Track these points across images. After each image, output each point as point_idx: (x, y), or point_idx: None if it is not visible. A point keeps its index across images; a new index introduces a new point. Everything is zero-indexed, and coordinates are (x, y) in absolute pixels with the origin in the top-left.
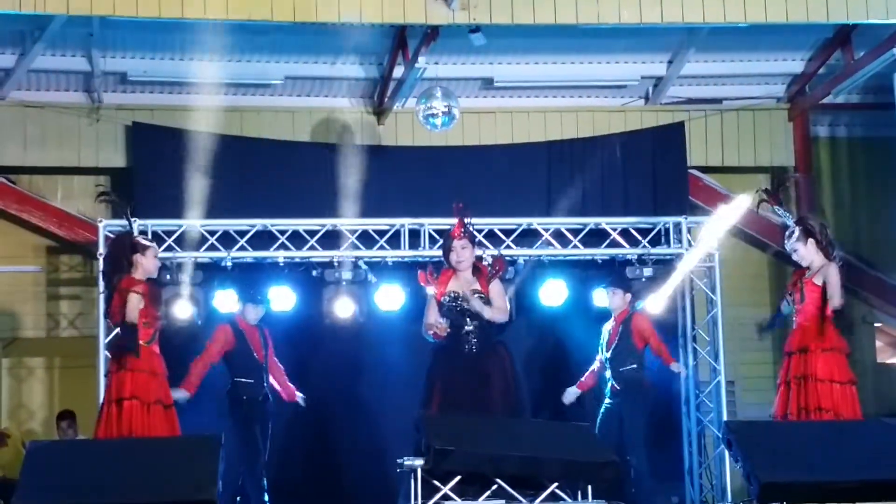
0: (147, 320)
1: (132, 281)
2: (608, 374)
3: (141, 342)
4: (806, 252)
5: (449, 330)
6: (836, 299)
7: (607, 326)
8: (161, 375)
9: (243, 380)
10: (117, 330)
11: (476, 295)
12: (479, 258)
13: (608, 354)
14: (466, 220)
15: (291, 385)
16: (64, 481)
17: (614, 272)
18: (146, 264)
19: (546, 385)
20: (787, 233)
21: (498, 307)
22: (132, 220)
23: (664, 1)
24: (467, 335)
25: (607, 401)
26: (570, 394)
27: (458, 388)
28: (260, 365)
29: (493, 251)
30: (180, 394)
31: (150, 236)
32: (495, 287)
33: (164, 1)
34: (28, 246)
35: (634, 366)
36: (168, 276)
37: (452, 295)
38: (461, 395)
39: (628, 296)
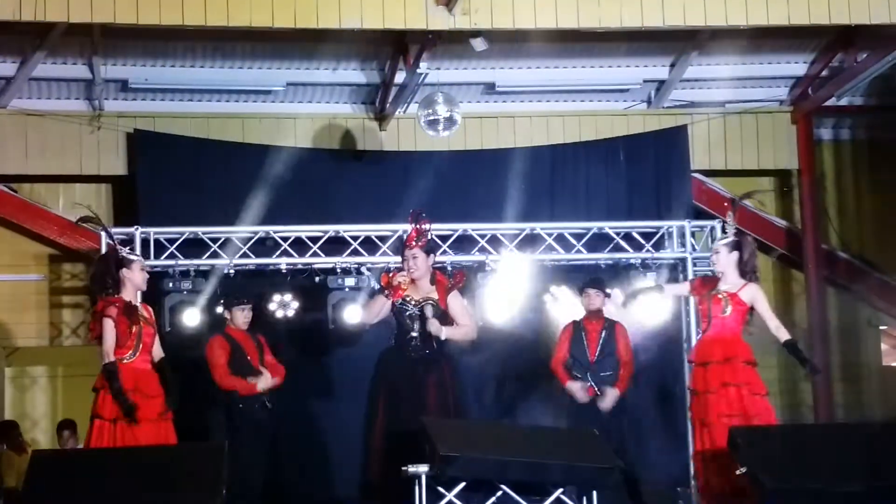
0: (121, 340)
1: (106, 303)
2: (588, 375)
3: (121, 358)
4: (725, 260)
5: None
6: (782, 332)
7: (569, 329)
8: (137, 392)
9: None
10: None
11: (432, 319)
12: (443, 269)
13: (591, 360)
14: (424, 228)
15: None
16: (68, 490)
17: (594, 274)
18: (134, 278)
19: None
20: (722, 234)
21: (461, 325)
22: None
23: (666, 4)
24: (412, 340)
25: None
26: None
27: (399, 396)
28: (256, 372)
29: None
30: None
31: (151, 244)
32: (455, 302)
33: (165, 8)
34: (30, 255)
35: (612, 373)
36: (171, 284)
37: (408, 299)
38: (401, 404)
39: (606, 298)
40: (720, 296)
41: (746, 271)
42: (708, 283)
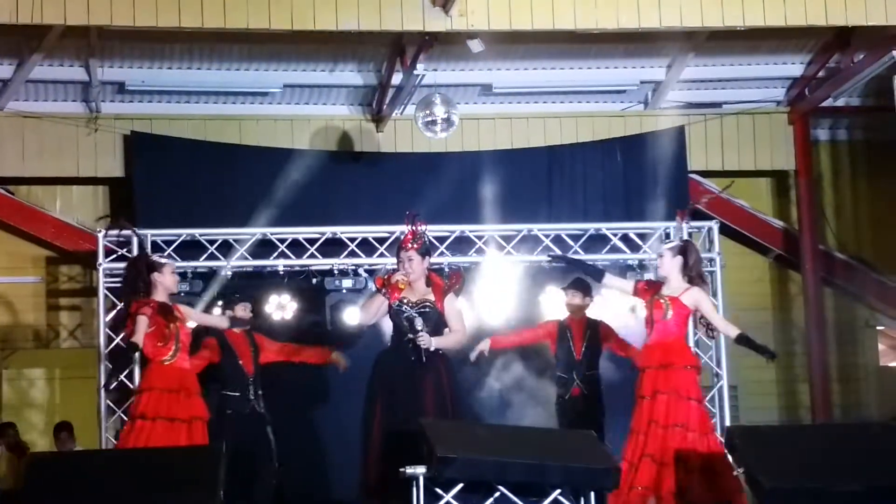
0: (160, 341)
1: (139, 304)
2: (574, 374)
3: (162, 360)
4: (669, 265)
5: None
6: (731, 329)
7: (553, 327)
8: (177, 391)
9: (229, 393)
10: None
11: (422, 332)
12: (439, 270)
13: (577, 358)
14: (420, 230)
15: (319, 349)
16: (66, 492)
17: (574, 274)
18: (165, 282)
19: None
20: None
21: (454, 331)
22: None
23: (662, 5)
24: (408, 343)
25: (563, 399)
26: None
27: (397, 398)
28: (247, 377)
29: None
30: None
31: (149, 246)
32: (451, 306)
33: (162, 10)
34: (27, 257)
35: (595, 371)
36: None
37: (404, 301)
38: (399, 406)
39: (588, 299)
40: (661, 301)
41: (692, 276)
42: (652, 287)
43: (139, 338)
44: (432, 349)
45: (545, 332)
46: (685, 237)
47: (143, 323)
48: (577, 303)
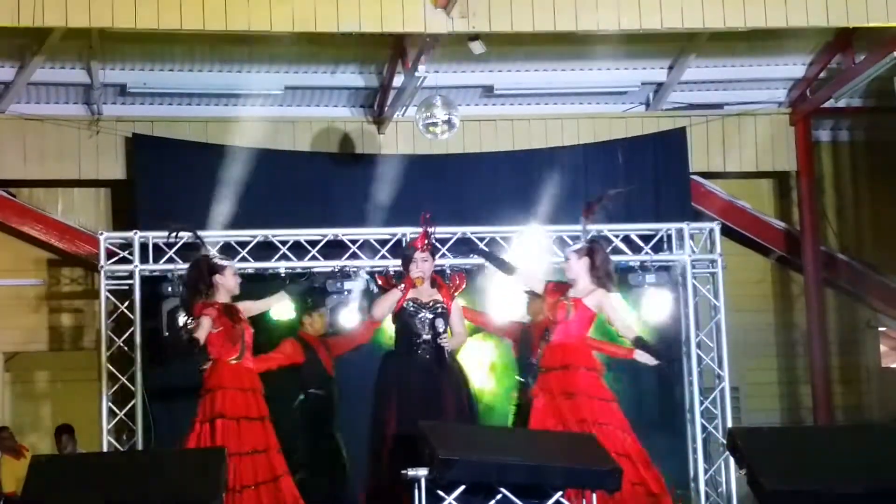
0: (229, 341)
1: (204, 305)
2: (531, 379)
3: (230, 360)
4: (576, 266)
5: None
6: (629, 331)
7: (517, 329)
8: (250, 391)
9: (317, 392)
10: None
11: (444, 333)
12: (440, 272)
13: (534, 361)
14: (430, 231)
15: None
16: (67, 495)
17: None
18: (227, 284)
19: None
20: (573, 242)
21: (457, 333)
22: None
23: (664, 7)
24: (422, 345)
25: (520, 406)
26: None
27: (414, 400)
28: (331, 378)
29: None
30: None
31: (150, 248)
32: (456, 308)
33: (163, 12)
34: (29, 259)
35: None
36: (169, 289)
37: (416, 302)
38: (417, 407)
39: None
40: (565, 302)
41: (600, 276)
42: (560, 288)
43: (201, 335)
44: (448, 349)
45: (508, 331)
46: (591, 237)
47: (206, 323)
48: (536, 308)
